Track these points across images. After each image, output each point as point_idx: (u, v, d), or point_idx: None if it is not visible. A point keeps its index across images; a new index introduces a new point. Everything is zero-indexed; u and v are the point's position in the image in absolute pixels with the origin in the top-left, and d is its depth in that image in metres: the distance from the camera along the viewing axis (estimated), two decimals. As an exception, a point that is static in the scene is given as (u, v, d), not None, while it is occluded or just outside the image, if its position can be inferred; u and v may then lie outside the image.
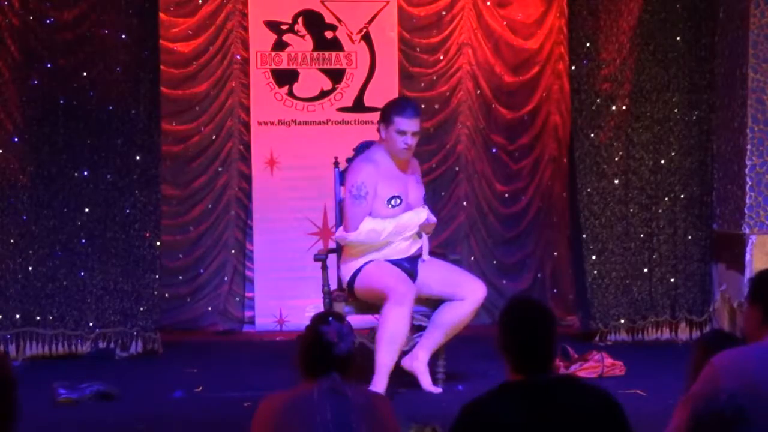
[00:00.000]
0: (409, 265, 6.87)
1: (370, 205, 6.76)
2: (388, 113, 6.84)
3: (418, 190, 7.04)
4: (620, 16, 8.51)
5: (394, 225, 6.77)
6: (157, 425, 6.29)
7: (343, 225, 6.91)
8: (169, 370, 7.77)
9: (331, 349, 3.74)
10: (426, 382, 6.82)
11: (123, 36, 8.12)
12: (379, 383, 6.49)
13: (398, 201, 6.82)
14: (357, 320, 6.45)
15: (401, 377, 6.96)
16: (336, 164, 7.40)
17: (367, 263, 6.84)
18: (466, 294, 6.71)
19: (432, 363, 6.93)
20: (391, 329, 6.54)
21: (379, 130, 6.93)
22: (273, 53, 9.26)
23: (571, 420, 3.34)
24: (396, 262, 6.85)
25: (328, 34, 9.32)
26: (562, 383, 3.51)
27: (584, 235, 8.56)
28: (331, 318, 3.85)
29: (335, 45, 9.34)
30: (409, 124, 6.77)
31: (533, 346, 3.48)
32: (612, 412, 3.42)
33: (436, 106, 9.50)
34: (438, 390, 6.81)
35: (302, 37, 9.29)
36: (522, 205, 9.61)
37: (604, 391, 3.48)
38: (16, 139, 8.02)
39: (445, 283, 6.81)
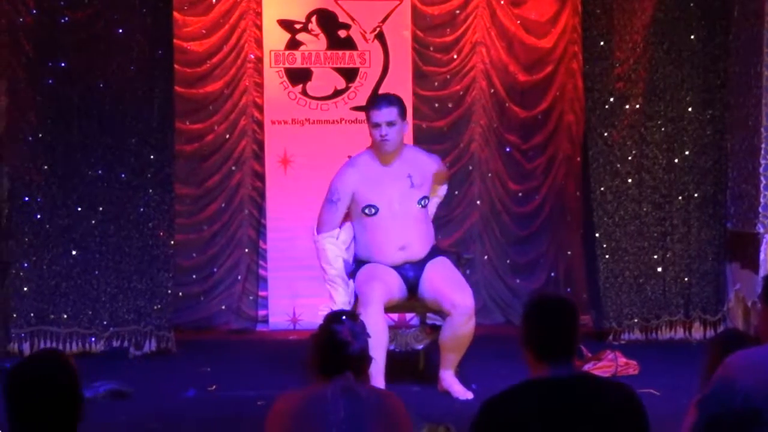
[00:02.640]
0: (412, 273, 6.87)
1: (341, 211, 6.90)
2: (366, 111, 6.98)
3: (411, 195, 6.89)
4: (634, 15, 8.50)
5: (332, 276, 6.87)
6: (170, 424, 6.30)
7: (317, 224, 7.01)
8: (182, 368, 7.78)
9: (345, 349, 3.74)
10: (457, 391, 6.80)
11: (137, 35, 8.13)
12: (378, 384, 6.46)
13: (373, 210, 6.82)
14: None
15: (416, 376, 6.97)
16: (349, 163, 7.41)
17: (363, 264, 6.93)
18: (449, 308, 6.65)
19: (464, 352, 6.92)
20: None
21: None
22: (286, 52, 9.27)
23: (593, 417, 3.34)
24: (400, 270, 6.86)
25: (342, 33, 9.33)
26: (584, 380, 3.51)
27: (597, 234, 8.55)
28: (344, 317, 3.85)
29: (349, 44, 9.34)
30: (379, 116, 6.79)
31: (557, 334, 3.49)
32: (633, 409, 3.42)
33: (450, 105, 9.50)
34: (470, 395, 6.74)
35: (316, 36, 9.30)
36: (535, 204, 9.60)
37: (626, 387, 3.49)
38: (30, 138, 8.05)
39: (435, 294, 6.77)
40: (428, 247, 6.96)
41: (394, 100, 6.92)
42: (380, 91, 9.21)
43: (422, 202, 6.93)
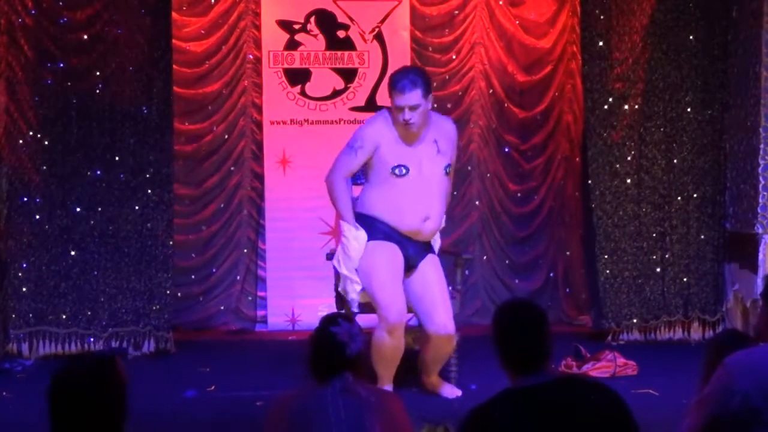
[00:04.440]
0: (413, 252, 6.70)
1: (359, 160, 6.63)
2: (388, 88, 6.64)
3: (438, 161, 6.67)
4: (633, 15, 8.50)
5: (344, 216, 6.72)
6: (169, 424, 6.30)
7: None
8: (181, 369, 7.78)
9: (343, 350, 3.75)
10: (446, 391, 6.83)
11: (136, 35, 8.14)
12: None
13: (404, 170, 6.55)
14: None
15: (415, 376, 6.97)
16: (348, 163, 7.39)
17: (372, 240, 6.65)
18: (428, 326, 6.56)
19: (444, 363, 6.93)
20: (387, 355, 6.53)
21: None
22: (285, 52, 9.27)
23: (577, 419, 3.34)
24: (403, 244, 6.67)
25: (341, 34, 9.33)
26: (565, 384, 3.51)
27: (597, 235, 8.55)
28: (340, 319, 3.85)
29: (348, 44, 9.34)
30: (403, 100, 6.45)
31: (523, 345, 3.49)
32: (617, 408, 3.42)
33: (449, 106, 9.48)
34: (458, 393, 6.77)
35: (315, 36, 9.30)
36: (534, 204, 9.60)
37: (607, 387, 3.49)
38: (29, 139, 8.05)
39: (422, 304, 6.65)
40: (439, 224, 6.79)
41: (418, 81, 6.50)
42: (379, 92, 9.22)
43: (447, 170, 6.74)
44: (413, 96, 6.48)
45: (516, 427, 3.32)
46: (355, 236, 6.63)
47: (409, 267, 6.73)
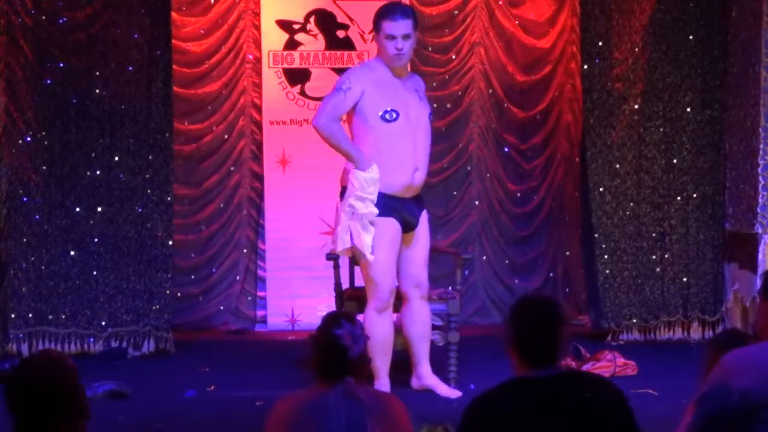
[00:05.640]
0: (410, 214, 6.64)
1: (348, 102, 6.49)
2: (376, 19, 6.63)
3: (422, 108, 6.70)
4: (633, 15, 8.50)
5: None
6: (169, 424, 6.30)
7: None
8: (181, 369, 7.78)
9: (345, 353, 3.72)
10: (443, 390, 6.80)
11: (135, 35, 8.14)
12: (383, 386, 6.47)
13: (394, 115, 6.50)
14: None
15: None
16: (348, 163, 7.39)
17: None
18: (411, 290, 6.67)
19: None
20: (380, 339, 6.51)
21: (376, 42, 6.74)
22: (285, 52, 9.27)
23: (579, 413, 3.35)
24: (398, 210, 6.57)
25: (340, 34, 9.33)
26: (570, 377, 3.52)
27: (596, 235, 8.54)
28: (343, 320, 3.83)
29: (347, 44, 9.34)
30: (396, 28, 6.50)
31: (542, 340, 3.50)
32: (619, 404, 3.43)
33: (449, 106, 9.49)
34: (457, 394, 6.73)
35: (314, 36, 9.30)
36: (534, 204, 9.61)
37: (610, 383, 3.50)
38: (28, 139, 8.05)
39: (411, 266, 6.69)
40: (426, 175, 6.75)
41: (409, 12, 6.67)
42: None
43: (430, 118, 6.79)
44: (406, 24, 6.55)
45: (517, 417, 3.32)
46: (372, 169, 6.44)
47: (409, 229, 6.69)
